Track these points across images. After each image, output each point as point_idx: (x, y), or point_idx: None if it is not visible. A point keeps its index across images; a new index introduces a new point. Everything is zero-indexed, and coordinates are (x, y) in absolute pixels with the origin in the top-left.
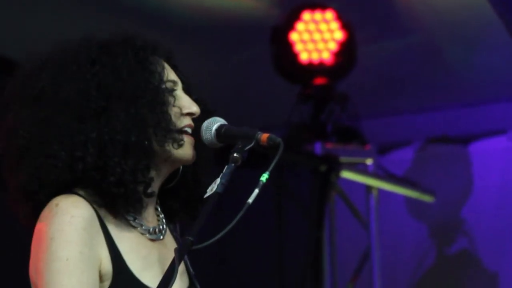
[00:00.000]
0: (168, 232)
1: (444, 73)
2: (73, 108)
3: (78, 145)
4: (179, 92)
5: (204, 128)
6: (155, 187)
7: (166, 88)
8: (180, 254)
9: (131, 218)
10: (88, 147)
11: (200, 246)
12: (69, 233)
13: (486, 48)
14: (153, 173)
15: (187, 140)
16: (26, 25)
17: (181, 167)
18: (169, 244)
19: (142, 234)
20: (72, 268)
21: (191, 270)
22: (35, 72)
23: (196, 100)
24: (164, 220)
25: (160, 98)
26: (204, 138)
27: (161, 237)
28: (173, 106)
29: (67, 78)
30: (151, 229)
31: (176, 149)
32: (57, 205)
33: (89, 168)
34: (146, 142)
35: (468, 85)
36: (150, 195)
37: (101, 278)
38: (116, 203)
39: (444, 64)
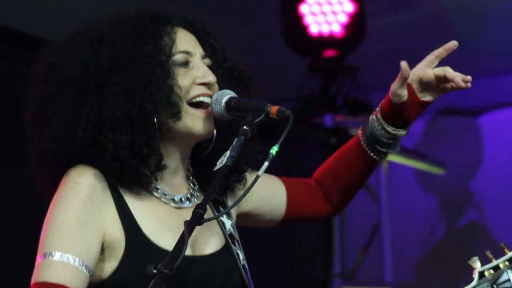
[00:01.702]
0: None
1: None
2: (73, 83)
3: (75, 119)
4: (196, 61)
5: (214, 101)
6: (170, 161)
7: (172, 60)
8: (190, 227)
9: (153, 189)
10: (82, 122)
11: (210, 219)
12: (69, 199)
13: (496, 20)
14: (162, 148)
15: (194, 114)
16: (53, 4)
17: (214, 138)
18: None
19: (166, 203)
20: (65, 232)
21: (233, 233)
22: (49, 51)
23: (230, 68)
24: (197, 189)
25: (157, 71)
26: (214, 110)
27: (189, 204)
28: (172, 78)
29: (71, 55)
30: (176, 198)
31: (175, 122)
32: (67, 173)
33: (86, 143)
34: (138, 116)
35: (478, 57)
36: (162, 168)
37: (110, 245)
38: (121, 177)
39: (454, 36)
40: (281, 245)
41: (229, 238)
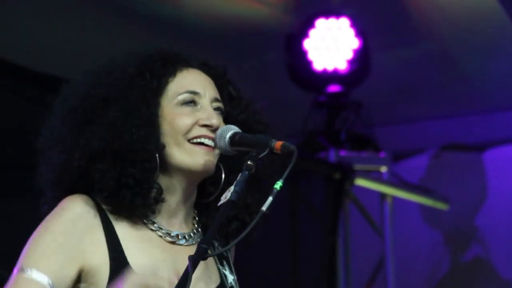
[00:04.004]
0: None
1: (458, 81)
2: (75, 114)
3: (72, 150)
4: (204, 103)
5: (218, 136)
6: (171, 197)
7: (178, 99)
8: (194, 262)
9: (149, 222)
10: (77, 152)
11: (214, 253)
12: (51, 221)
13: (500, 55)
14: (163, 183)
15: (193, 149)
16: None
17: (221, 182)
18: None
19: (161, 236)
20: (39, 251)
21: (229, 273)
22: (68, 84)
23: (244, 120)
24: (199, 234)
25: (143, 105)
26: (218, 145)
27: (185, 242)
28: (159, 115)
29: (79, 87)
30: (172, 233)
31: (173, 156)
32: (60, 201)
33: (80, 173)
34: (123, 149)
35: (482, 92)
36: (160, 201)
37: (90, 273)
38: (114, 207)
39: (458, 71)
40: (284, 280)
41: (224, 278)
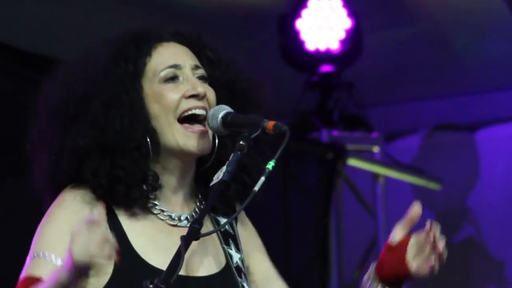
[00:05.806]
0: (208, 222)
1: (451, 61)
2: (58, 115)
3: (60, 152)
4: (186, 73)
5: (210, 116)
6: (169, 178)
7: (160, 77)
8: (186, 242)
9: (151, 205)
10: (65, 154)
11: (206, 233)
12: (54, 213)
13: (493, 35)
14: (158, 166)
15: (185, 133)
16: (64, 24)
17: (214, 151)
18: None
19: (163, 219)
20: (49, 238)
21: (241, 266)
22: (48, 82)
23: (228, 81)
24: (201, 207)
25: (122, 94)
26: (210, 125)
27: (187, 224)
28: (145, 98)
29: (59, 86)
30: (173, 215)
31: (168, 141)
32: (61, 192)
33: (72, 174)
34: (110, 142)
35: (475, 72)
36: (158, 188)
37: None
38: (112, 201)
39: (451, 51)
40: (277, 260)
41: (234, 270)
